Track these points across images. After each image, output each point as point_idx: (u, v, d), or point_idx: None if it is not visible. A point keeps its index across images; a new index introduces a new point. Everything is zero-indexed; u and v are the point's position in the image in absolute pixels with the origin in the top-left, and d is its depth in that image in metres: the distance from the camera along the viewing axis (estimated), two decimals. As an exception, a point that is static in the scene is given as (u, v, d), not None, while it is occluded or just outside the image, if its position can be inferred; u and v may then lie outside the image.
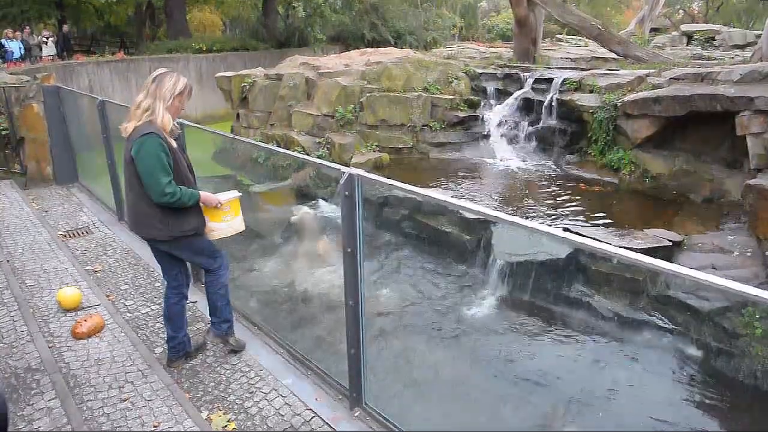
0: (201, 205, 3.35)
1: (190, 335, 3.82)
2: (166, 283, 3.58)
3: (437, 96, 9.49)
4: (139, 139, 3.02)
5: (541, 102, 8.95)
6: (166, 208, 3.15)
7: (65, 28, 21.32)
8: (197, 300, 4.37)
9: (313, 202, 7.92)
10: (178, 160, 3.21)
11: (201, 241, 3.41)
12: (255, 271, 5.82)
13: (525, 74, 9.76)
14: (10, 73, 9.23)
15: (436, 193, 3.03)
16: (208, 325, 3.90)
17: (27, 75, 8.11)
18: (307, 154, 8.26)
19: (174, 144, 3.20)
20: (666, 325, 4.76)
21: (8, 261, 5.27)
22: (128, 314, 4.36)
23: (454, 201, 2.63)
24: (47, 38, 17.85)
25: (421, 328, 4.89)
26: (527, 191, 7.48)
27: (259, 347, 3.87)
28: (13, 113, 7.64)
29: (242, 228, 3.60)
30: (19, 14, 20.78)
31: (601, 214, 6.42)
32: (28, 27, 19.06)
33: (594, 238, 4.07)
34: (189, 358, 3.71)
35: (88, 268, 5.20)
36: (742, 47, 15.96)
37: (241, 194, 3.55)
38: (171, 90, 3.11)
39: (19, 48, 16.80)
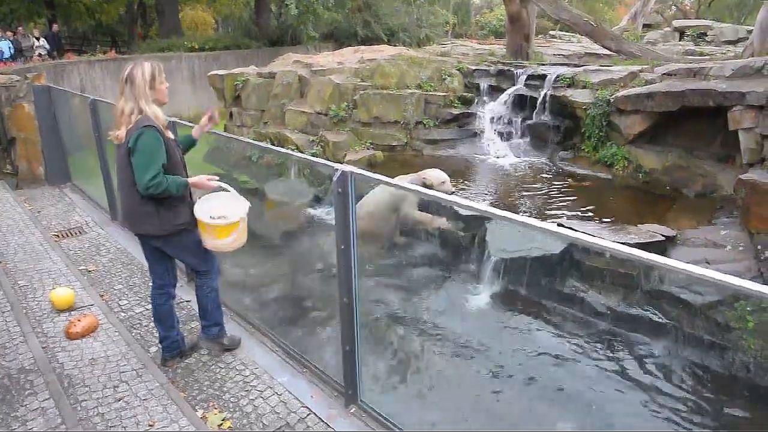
0: (200, 220, 3.27)
1: (185, 334, 3.81)
2: (152, 282, 3.56)
3: (431, 93, 9.48)
4: (138, 130, 3.01)
5: (535, 98, 8.96)
6: (159, 202, 3.14)
7: (55, 27, 21.18)
8: (191, 299, 4.36)
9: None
10: (173, 153, 3.19)
11: (193, 238, 3.39)
12: (250, 268, 5.80)
13: (518, 71, 9.77)
14: (0, 73, 9.16)
15: (430, 190, 3.03)
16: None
17: (17, 74, 8.04)
18: (301, 152, 8.24)
19: (171, 135, 3.20)
20: (659, 320, 4.78)
21: (0, 262, 5.23)
22: (122, 314, 4.34)
23: (448, 197, 2.64)
24: (38, 38, 17.78)
25: (415, 324, 4.89)
26: (521, 187, 7.49)
27: (255, 345, 3.87)
28: (3, 113, 7.58)
29: (241, 244, 3.45)
30: (9, 13, 20.63)
31: (595, 210, 6.44)
32: (21, 27, 18.93)
33: (587, 233, 4.09)
34: (184, 357, 3.70)
35: (81, 268, 5.17)
36: (733, 43, 16.05)
37: (248, 208, 3.37)
38: (143, 81, 3.08)
39: (9, 47, 16.68)
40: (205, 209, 3.33)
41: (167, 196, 3.11)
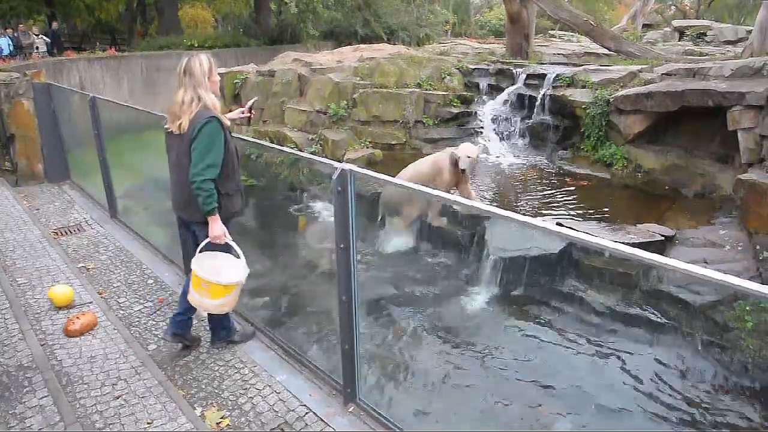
0: (195, 274, 3.26)
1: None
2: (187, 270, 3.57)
3: (430, 92, 9.48)
4: (204, 119, 3.11)
5: (534, 98, 8.95)
6: (218, 191, 3.20)
7: (55, 24, 21.14)
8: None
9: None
10: (230, 143, 3.29)
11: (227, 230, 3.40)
12: (249, 267, 5.79)
13: (518, 70, 9.77)
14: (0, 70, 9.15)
15: (429, 188, 3.02)
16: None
17: (17, 71, 8.02)
18: (300, 151, 8.23)
19: (228, 122, 3.30)
20: (658, 319, 4.79)
21: (-1, 259, 5.23)
22: (121, 311, 4.34)
23: (447, 196, 2.64)
24: (37, 35, 17.75)
25: (414, 323, 4.89)
26: (520, 187, 7.49)
27: (253, 344, 3.87)
28: (2, 110, 7.56)
29: (228, 309, 3.46)
30: (8, 10, 20.59)
31: (594, 209, 6.44)
32: (22, 24, 18.88)
33: (587, 233, 4.09)
34: (183, 355, 3.71)
35: (80, 265, 5.17)
36: (733, 43, 16.03)
37: (246, 274, 3.40)
38: (201, 72, 3.20)
39: (8, 44, 16.66)
40: (204, 265, 3.28)
41: (201, 193, 3.12)
